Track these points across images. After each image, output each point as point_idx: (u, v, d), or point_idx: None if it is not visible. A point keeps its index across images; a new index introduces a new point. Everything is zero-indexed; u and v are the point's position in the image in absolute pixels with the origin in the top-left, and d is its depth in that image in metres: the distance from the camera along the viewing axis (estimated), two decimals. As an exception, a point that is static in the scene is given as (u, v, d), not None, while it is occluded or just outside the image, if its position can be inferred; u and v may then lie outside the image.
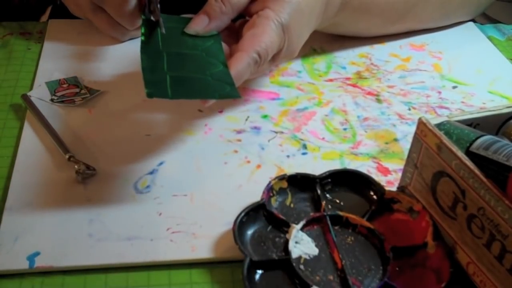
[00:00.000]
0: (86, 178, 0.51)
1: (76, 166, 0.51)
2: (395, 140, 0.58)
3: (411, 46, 0.73)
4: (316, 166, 0.54)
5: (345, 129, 0.59)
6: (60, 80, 0.62)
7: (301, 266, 0.44)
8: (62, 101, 0.60)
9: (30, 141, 0.55)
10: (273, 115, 0.60)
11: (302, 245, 0.45)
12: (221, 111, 0.60)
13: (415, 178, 0.48)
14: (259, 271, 0.43)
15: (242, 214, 0.46)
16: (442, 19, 0.75)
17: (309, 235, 0.46)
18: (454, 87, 0.66)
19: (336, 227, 0.47)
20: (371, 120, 0.61)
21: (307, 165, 0.54)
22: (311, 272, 0.44)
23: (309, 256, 0.45)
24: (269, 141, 0.57)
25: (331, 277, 0.44)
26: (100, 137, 0.56)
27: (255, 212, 0.47)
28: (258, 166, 0.54)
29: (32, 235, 0.46)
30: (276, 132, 0.58)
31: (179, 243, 0.46)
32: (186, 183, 0.52)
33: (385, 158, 0.56)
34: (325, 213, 0.47)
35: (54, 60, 0.66)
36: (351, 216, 0.47)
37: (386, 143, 0.58)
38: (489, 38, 0.75)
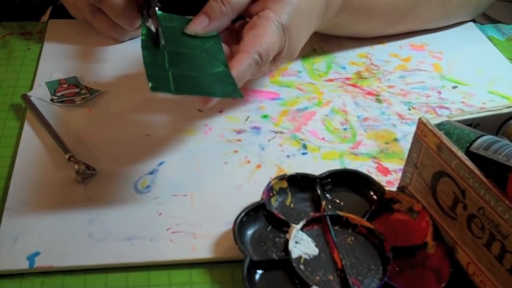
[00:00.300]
0: (86, 178, 0.51)
1: (76, 166, 0.51)
2: (395, 140, 0.58)
3: (411, 46, 0.73)
4: (316, 166, 0.54)
5: (345, 129, 0.59)
6: (60, 80, 0.62)
7: (301, 266, 0.44)
8: (62, 101, 0.60)
9: (30, 141, 0.55)
10: (273, 115, 0.60)
11: (302, 245, 0.45)
12: (221, 111, 0.60)
13: (415, 178, 0.48)
14: (259, 271, 0.43)
15: (242, 214, 0.46)
16: (442, 20, 0.75)
17: (309, 235, 0.46)
18: (454, 87, 0.66)
19: (336, 227, 0.47)
20: (371, 120, 0.61)
21: (307, 165, 0.54)
22: (311, 272, 0.44)
23: (309, 256, 0.45)
24: (269, 141, 0.57)
25: (331, 277, 0.44)
26: (100, 137, 0.56)
27: (255, 212, 0.47)
28: (258, 166, 0.54)
29: (32, 235, 0.46)
30: (276, 132, 0.58)
31: (179, 243, 0.46)
32: (186, 183, 0.52)
33: (385, 158, 0.56)
34: (325, 213, 0.47)
35: (54, 60, 0.66)
36: (351, 216, 0.47)
37: (386, 143, 0.58)
38: (489, 38, 0.75)
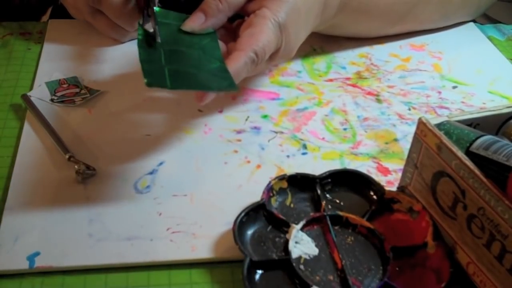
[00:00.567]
0: (86, 178, 0.51)
1: (76, 166, 0.51)
2: (395, 140, 0.58)
3: (411, 46, 0.73)
4: (316, 166, 0.54)
5: (345, 129, 0.59)
6: (60, 80, 0.62)
7: (301, 266, 0.44)
8: (62, 101, 0.60)
9: (30, 141, 0.55)
10: (273, 115, 0.60)
11: (302, 245, 0.45)
12: (221, 111, 0.60)
13: (415, 178, 0.48)
14: (259, 271, 0.43)
15: (242, 214, 0.46)
16: (442, 20, 0.75)
17: (309, 235, 0.46)
18: (454, 87, 0.66)
19: (336, 227, 0.47)
20: (371, 120, 0.61)
21: (307, 165, 0.54)
22: (311, 272, 0.44)
23: (309, 256, 0.45)
24: (269, 141, 0.57)
25: (331, 277, 0.44)
26: (100, 137, 0.56)
27: (255, 212, 0.47)
28: (258, 166, 0.54)
29: (32, 235, 0.46)
30: (276, 132, 0.58)
31: (179, 243, 0.46)
32: (186, 183, 0.52)
33: (385, 158, 0.56)
34: (325, 213, 0.47)
35: (54, 60, 0.66)
36: (351, 216, 0.47)
37: (386, 143, 0.58)
38: (489, 38, 0.75)
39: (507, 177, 0.39)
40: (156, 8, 0.54)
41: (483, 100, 0.65)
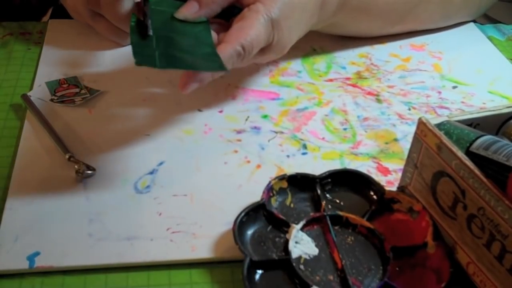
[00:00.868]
0: (86, 178, 0.51)
1: (76, 166, 0.51)
2: (395, 140, 0.58)
3: (411, 46, 0.73)
4: (316, 166, 0.54)
5: (345, 129, 0.59)
6: (60, 80, 0.62)
7: (301, 266, 0.44)
8: (62, 101, 0.60)
9: (30, 141, 0.55)
10: (273, 115, 0.60)
11: (302, 245, 0.45)
12: (221, 111, 0.60)
13: (415, 178, 0.48)
14: (259, 271, 0.43)
15: (242, 214, 0.46)
16: (443, 20, 0.75)
17: (309, 235, 0.46)
18: (454, 87, 0.66)
19: (336, 227, 0.47)
20: (371, 120, 0.61)
21: (307, 165, 0.54)
22: (311, 272, 0.44)
23: (309, 256, 0.45)
24: (269, 141, 0.57)
25: (331, 277, 0.44)
26: (100, 137, 0.56)
27: (255, 212, 0.47)
28: (258, 166, 0.54)
29: (32, 235, 0.46)
30: (276, 132, 0.58)
31: (179, 243, 0.46)
32: (186, 183, 0.52)
33: (385, 158, 0.56)
34: (325, 213, 0.47)
35: (54, 60, 0.66)
36: (351, 216, 0.47)
37: (386, 143, 0.58)
38: (489, 38, 0.75)
39: (507, 177, 0.39)
40: None
41: (483, 100, 0.65)
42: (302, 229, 0.47)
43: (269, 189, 0.48)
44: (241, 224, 0.45)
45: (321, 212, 0.48)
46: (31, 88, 0.62)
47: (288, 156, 0.55)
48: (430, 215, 0.46)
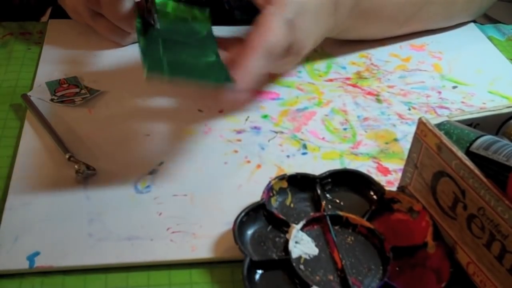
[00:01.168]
0: (86, 178, 0.51)
1: (76, 166, 0.51)
2: (395, 140, 0.58)
3: (411, 46, 0.73)
4: (316, 166, 0.54)
5: (345, 129, 0.59)
6: (60, 80, 0.62)
7: (301, 266, 0.44)
8: (62, 101, 0.60)
9: (30, 141, 0.55)
10: (273, 115, 0.60)
11: (302, 245, 0.45)
12: (221, 111, 0.60)
13: (415, 178, 0.48)
14: (259, 271, 0.43)
15: (242, 214, 0.46)
16: (445, 21, 0.75)
17: (309, 235, 0.46)
18: (454, 87, 0.66)
19: (336, 227, 0.47)
20: (371, 120, 0.61)
21: (307, 165, 0.54)
22: (311, 272, 0.44)
23: (309, 256, 0.45)
24: (269, 141, 0.57)
25: (331, 277, 0.44)
26: (100, 137, 0.56)
27: (255, 212, 0.47)
28: (258, 166, 0.54)
29: (32, 235, 0.46)
30: (276, 132, 0.58)
31: (179, 243, 0.46)
32: (186, 183, 0.52)
33: (385, 158, 0.56)
34: (325, 213, 0.47)
35: (54, 60, 0.66)
36: (351, 216, 0.47)
37: (386, 143, 0.58)
38: (489, 38, 0.75)
39: (507, 177, 0.39)
40: None
41: (483, 100, 0.65)
42: (302, 229, 0.47)
43: (269, 189, 0.48)
44: (241, 224, 0.45)
45: (321, 212, 0.48)
46: (31, 88, 0.62)
47: (288, 156, 0.55)
48: (430, 215, 0.46)
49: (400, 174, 0.51)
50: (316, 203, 0.49)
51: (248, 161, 0.54)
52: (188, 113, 0.60)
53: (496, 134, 0.47)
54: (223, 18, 0.57)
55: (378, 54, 0.71)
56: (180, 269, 0.45)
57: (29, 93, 0.60)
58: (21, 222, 0.47)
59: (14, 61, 0.66)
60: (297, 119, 0.60)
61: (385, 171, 0.54)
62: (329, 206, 0.49)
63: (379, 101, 0.64)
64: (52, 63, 0.65)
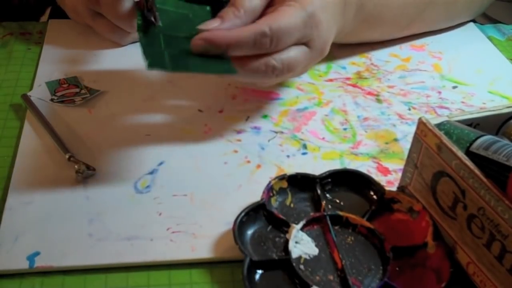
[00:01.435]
0: (86, 178, 0.51)
1: (76, 166, 0.51)
2: (395, 140, 0.58)
3: (411, 46, 0.73)
4: (316, 166, 0.54)
5: (345, 129, 0.59)
6: (60, 80, 0.62)
7: (301, 266, 0.44)
8: (62, 101, 0.60)
9: (30, 141, 0.55)
10: (273, 115, 0.60)
11: (302, 245, 0.45)
12: (221, 111, 0.60)
13: (415, 178, 0.48)
14: (259, 271, 0.43)
15: (242, 214, 0.46)
16: (446, 22, 0.75)
17: (309, 235, 0.46)
18: (454, 87, 0.66)
19: (336, 227, 0.47)
20: (371, 120, 0.61)
21: (307, 165, 0.54)
22: (311, 272, 0.44)
23: (309, 256, 0.45)
24: (269, 141, 0.57)
25: (331, 277, 0.44)
26: (100, 137, 0.56)
27: (255, 212, 0.47)
28: (258, 166, 0.54)
29: (32, 235, 0.46)
30: (276, 132, 0.58)
31: (179, 243, 0.46)
32: (186, 183, 0.52)
33: (385, 158, 0.56)
34: (325, 213, 0.47)
35: (54, 60, 0.66)
36: (351, 216, 0.47)
37: (386, 143, 0.58)
38: (489, 38, 0.75)
39: (507, 177, 0.39)
40: None
41: (483, 100, 0.65)
42: (302, 229, 0.47)
43: (269, 189, 0.48)
44: (241, 224, 0.45)
45: (321, 212, 0.48)
46: (31, 88, 0.62)
47: (288, 156, 0.55)
48: (430, 215, 0.46)
49: (400, 174, 0.51)
50: (316, 203, 0.49)
51: (248, 161, 0.54)
52: (188, 113, 0.60)
53: (496, 134, 0.47)
54: None
55: (378, 54, 0.71)
56: (180, 269, 0.45)
57: (29, 93, 0.60)
58: (21, 222, 0.47)
59: (14, 61, 0.66)
60: (297, 119, 0.60)
61: (385, 171, 0.54)
62: (329, 206, 0.49)
63: (379, 101, 0.64)
64: (52, 63, 0.65)
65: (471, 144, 0.43)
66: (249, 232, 0.46)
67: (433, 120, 0.46)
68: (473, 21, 0.79)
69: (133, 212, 0.49)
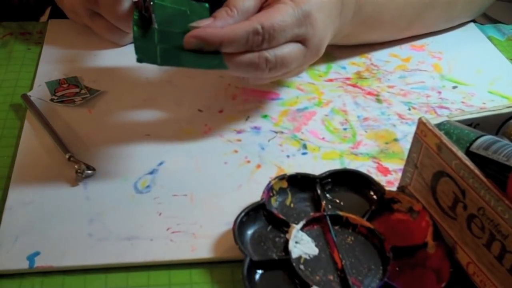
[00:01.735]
0: (86, 178, 0.51)
1: (76, 166, 0.51)
2: (395, 140, 0.58)
3: (411, 46, 0.73)
4: (316, 166, 0.54)
5: (345, 129, 0.59)
6: (60, 80, 0.62)
7: (301, 266, 0.44)
8: (62, 101, 0.60)
9: (30, 141, 0.55)
10: (273, 115, 0.60)
11: (302, 245, 0.45)
12: (221, 111, 0.60)
13: (415, 178, 0.48)
14: (259, 271, 0.43)
15: (242, 214, 0.46)
16: (446, 24, 0.75)
17: (309, 235, 0.46)
18: (454, 87, 0.66)
19: (336, 227, 0.47)
20: (371, 120, 0.61)
21: (307, 165, 0.54)
22: (311, 272, 0.44)
23: (309, 256, 0.45)
24: (269, 141, 0.57)
25: (331, 277, 0.44)
26: (100, 137, 0.56)
27: (255, 212, 0.47)
28: (258, 166, 0.54)
29: (32, 235, 0.46)
30: (276, 132, 0.58)
31: (179, 243, 0.46)
32: (186, 183, 0.52)
33: (385, 158, 0.56)
34: (325, 213, 0.47)
35: (54, 60, 0.66)
36: (351, 216, 0.47)
37: (386, 143, 0.58)
38: (489, 38, 0.75)
39: (507, 177, 0.39)
40: None
41: (483, 100, 0.65)
42: (302, 229, 0.47)
43: (269, 189, 0.48)
44: (241, 224, 0.45)
45: (321, 212, 0.48)
46: (31, 88, 0.62)
47: (288, 156, 0.55)
48: (430, 215, 0.46)
49: (400, 174, 0.51)
50: (316, 203, 0.49)
51: (248, 161, 0.54)
52: (188, 113, 0.60)
53: (496, 134, 0.47)
54: None
55: (378, 54, 0.71)
56: (180, 269, 0.45)
57: (29, 93, 0.60)
58: (21, 222, 0.47)
59: (14, 61, 0.66)
60: (297, 119, 0.60)
61: (385, 171, 0.54)
62: (329, 206, 0.49)
63: (379, 101, 0.64)
64: (52, 63, 0.65)
65: (471, 144, 0.43)
66: (249, 232, 0.46)
67: (433, 120, 0.46)
68: (473, 21, 0.79)
69: (133, 212, 0.49)
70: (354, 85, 0.66)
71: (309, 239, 0.46)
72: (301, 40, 0.53)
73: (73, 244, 0.46)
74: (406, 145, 0.57)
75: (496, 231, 0.40)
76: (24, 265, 0.44)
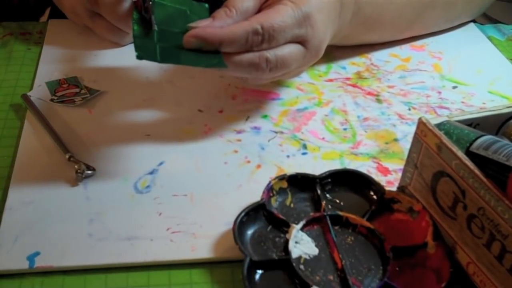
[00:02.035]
0: (86, 178, 0.51)
1: (76, 166, 0.51)
2: (395, 140, 0.58)
3: (411, 47, 0.73)
4: (316, 166, 0.54)
5: (345, 129, 0.59)
6: (60, 80, 0.62)
7: (301, 266, 0.44)
8: (62, 101, 0.60)
9: (30, 141, 0.55)
10: (273, 115, 0.60)
11: (302, 245, 0.45)
12: (221, 111, 0.60)
13: (415, 178, 0.48)
14: (259, 271, 0.43)
15: (242, 214, 0.46)
16: (446, 24, 0.75)
17: (309, 235, 0.46)
18: (454, 87, 0.66)
19: (336, 227, 0.47)
20: (371, 120, 0.61)
21: (307, 165, 0.54)
22: (311, 272, 0.44)
23: (309, 256, 0.45)
24: (269, 141, 0.57)
25: (331, 277, 0.44)
26: (100, 137, 0.56)
27: (255, 212, 0.47)
28: (258, 166, 0.54)
29: (32, 235, 0.46)
30: (276, 132, 0.58)
31: (179, 243, 0.46)
32: (186, 183, 0.52)
33: (385, 158, 0.56)
34: (325, 213, 0.47)
35: (54, 60, 0.66)
36: (351, 216, 0.47)
37: (386, 143, 0.58)
38: (489, 38, 0.75)
39: (507, 177, 0.39)
40: None
41: (483, 100, 0.65)
42: (302, 229, 0.47)
43: (269, 189, 0.48)
44: (241, 224, 0.45)
45: (321, 212, 0.48)
46: (31, 88, 0.62)
47: (288, 156, 0.55)
48: (430, 215, 0.46)
49: (400, 174, 0.51)
50: (316, 203, 0.49)
51: (248, 161, 0.54)
52: (188, 113, 0.60)
53: (496, 134, 0.47)
54: None
55: (378, 54, 0.71)
56: (180, 269, 0.45)
57: (29, 93, 0.60)
58: (21, 222, 0.47)
59: (14, 61, 0.66)
60: (297, 119, 0.60)
61: (385, 171, 0.54)
62: (329, 206, 0.49)
63: (379, 101, 0.64)
64: (52, 63, 0.65)
65: (471, 144, 0.43)
66: (249, 232, 0.46)
67: (433, 120, 0.46)
68: (473, 21, 0.79)
69: (133, 212, 0.49)
70: (354, 85, 0.66)
71: (309, 239, 0.46)
72: (300, 41, 0.53)
73: (73, 244, 0.46)
74: (406, 145, 0.57)
75: (496, 231, 0.40)
76: (24, 265, 0.44)
